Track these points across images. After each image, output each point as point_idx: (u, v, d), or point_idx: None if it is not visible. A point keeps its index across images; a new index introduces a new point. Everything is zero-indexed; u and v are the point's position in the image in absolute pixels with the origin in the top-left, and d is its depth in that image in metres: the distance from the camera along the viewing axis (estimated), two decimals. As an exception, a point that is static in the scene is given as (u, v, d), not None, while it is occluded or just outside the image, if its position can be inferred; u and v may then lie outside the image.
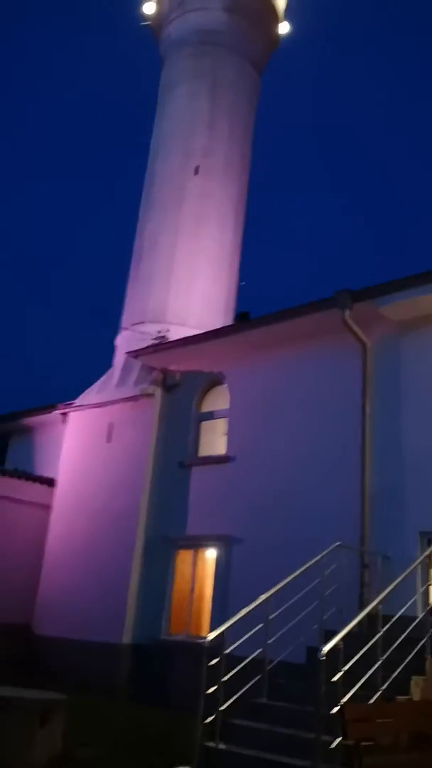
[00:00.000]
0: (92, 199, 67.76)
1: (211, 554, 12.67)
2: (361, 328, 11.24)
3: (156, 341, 14.64)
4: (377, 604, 7.07)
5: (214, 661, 6.68)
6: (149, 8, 20.28)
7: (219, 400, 13.80)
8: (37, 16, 67.50)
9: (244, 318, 13.95)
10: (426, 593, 8.92)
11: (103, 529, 14.23)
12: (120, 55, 61.65)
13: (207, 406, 14.07)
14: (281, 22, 20.38)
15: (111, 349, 16.79)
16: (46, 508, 15.74)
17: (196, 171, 17.35)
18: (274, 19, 20.08)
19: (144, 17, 20.51)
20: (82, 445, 15.65)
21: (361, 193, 67.64)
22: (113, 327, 17.18)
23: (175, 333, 14.85)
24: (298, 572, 7.97)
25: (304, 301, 11.86)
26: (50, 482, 16.01)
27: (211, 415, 13.90)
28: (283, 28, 20.58)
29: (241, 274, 17.95)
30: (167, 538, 13.21)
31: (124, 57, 61.45)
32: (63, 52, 69.15)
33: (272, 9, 19.88)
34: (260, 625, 7.44)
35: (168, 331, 15.11)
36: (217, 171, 17.57)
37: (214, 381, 13.92)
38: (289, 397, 12.38)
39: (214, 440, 13.75)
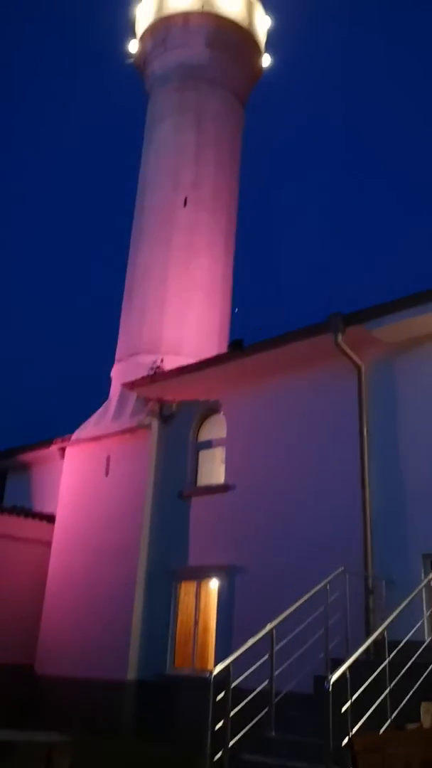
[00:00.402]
0: (82, 231, 68.24)
1: (214, 585, 12.55)
2: (354, 351, 11.27)
3: (151, 372, 14.64)
4: (382, 630, 6.97)
5: (220, 696, 6.57)
6: (133, 47, 20.65)
7: (216, 428, 13.77)
8: (25, 54, 68.62)
9: (238, 346, 13.95)
10: (432, 617, 8.83)
11: (103, 564, 14.08)
12: (107, 90, 62.52)
13: (204, 435, 14.03)
14: (263, 55, 20.74)
15: (107, 381, 16.81)
16: (46, 544, 15.59)
17: (185, 203, 17.53)
18: (256, 53, 20.44)
19: (128, 55, 20.87)
20: (81, 479, 15.57)
21: (349, 216, 68.29)
22: (108, 359, 17.24)
23: (170, 363, 14.87)
24: (301, 600, 7.89)
25: (297, 326, 11.89)
26: (50, 518, 15.89)
27: (208, 444, 13.86)
28: (265, 60, 20.94)
29: (233, 301, 18.06)
30: (169, 571, 13.08)
31: (110, 92, 62.32)
32: (52, 86, 70.18)
33: (253, 43, 20.24)
34: (266, 657, 7.32)
35: (162, 361, 15.13)
36: (205, 202, 17.75)
37: (211, 409, 13.90)
38: (286, 422, 12.36)
39: (213, 469, 13.69)
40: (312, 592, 8.13)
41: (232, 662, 6.73)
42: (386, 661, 6.80)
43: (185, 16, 19.51)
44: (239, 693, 7.03)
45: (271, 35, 21.79)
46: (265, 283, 59.81)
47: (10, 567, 15.12)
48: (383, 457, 10.79)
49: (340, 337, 11.04)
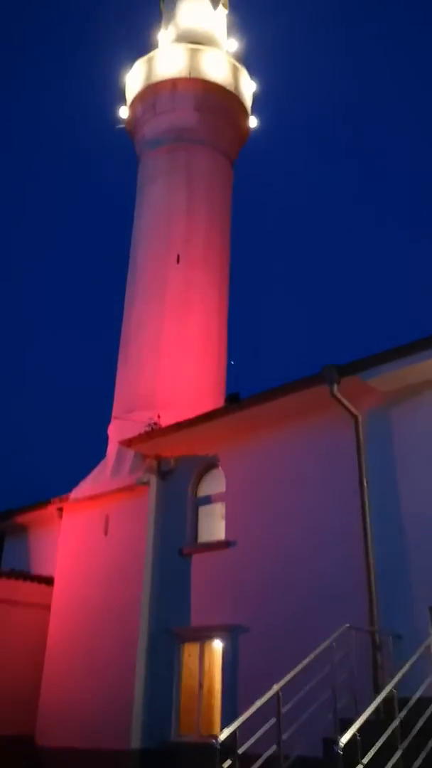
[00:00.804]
0: (77, 290, 69.01)
1: (218, 645, 12.23)
2: (350, 401, 11.25)
3: (148, 428, 14.58)
4: (391, 688, 6.77)
5: (227, 763, 6.32)
6: (124, 112, 21.26)
7: (215, 483, 13.64)
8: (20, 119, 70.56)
9: (234, 399, 13.93)
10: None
11: (104, 627, 13.76)
12: (100, 151, 64.04)
13: (203, 491, 13.89)
14: (249, 116, 21.34)
15: (103, 439, 16.73)
16: (46, 608, 15.26)
17: (178, 259, 17.77)
18: (243, 114, 21.03)
19: (119, 120, 21.46)
20: (79, 539, 15.34)
21: (341, 266, 69.29)
22: (104, 416, 17.20)
23: (167, 418, 14.81)
24: (307, 660, 7.68)
25: (293, 376, 11.90)
26: (48, 581, 15.59)
27: (208, 500, 13.71)
28: (252, 121, 21.53)
29: (228, 354, 18.15)
30: (171, 632, 12.76)
31: (103, 153, 63.88)
32: (46, 150, 71.94)
33: (240, 105, 20.84)
34: (273, 720, 7.07)
35: (159, 417, 15.08)
36: (198, 258, 18.00)
37: (209, 464, 13.80)
38: (285, 475, 12.26)
39: (213, 525, 13.51)
40: (317, 651, 7.92)
41: (238, 727, 6.50)
42: (397, 720, 6.58)
43: (173, 82, 20.12)
44: (247, 759, 6.77)
45: (257, 97, 22.47)
46: (260, 334, 60.20)
47: (8, 633, 14.77)
48: (384, 506, 10.66)
49: (335, 388, 11.04)
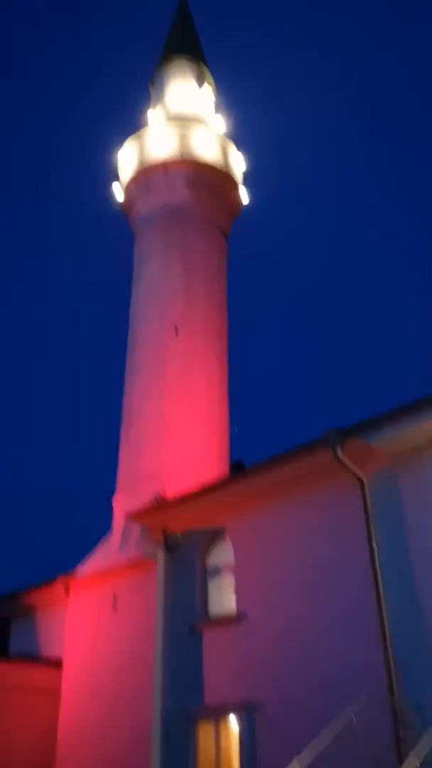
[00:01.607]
0: (79, 362, 69.60)
1: (233, 724, 11.80)
2: (355, 464, 11.17)
3: (153, 501, 14.47)
4: (415, 764, 6.52)
5: None
6: (117, 190, 21.94)
7: (223, 555, 13.42)
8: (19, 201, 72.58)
9: (238, 468, 13.93)
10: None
11: (116, 711, 13.36)
12: (96, 231, 65.74)
13: (212, 563, 13.65)
14: (240, 191, 22.00)
15: (107, 515, 16.57)
16: (55, 693, 14.82)
17: (177, 332, 18.00)
18: (234, 190, 21.68)
19: (114, 200, 22.13)
20: (87, 617, 15.04)
21: (339, 328, 70.06)
22: (108, 491, 17.09)
23: (172, 490, 14.72)
24: (327, 739, 7.41)
25: (297, 439, 11.87)
26: (57, 664, 15.20)
27: (217, 572, 13.47)
28: (244, 196, 22.18)
29: (232, 420, 18.18)
30: (185, 712, 12.35)
31: (100, 233, 65.51)
32: (43, 225, 73.71)
33: (231, 181, 21.52)
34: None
35: (164, 489, 14.99)
36: (196, 331, 18.24)
37: (217, 535, 13.62)
38: (293, 543, 12.08)
39: (223, 597, 13.23)
40: (336, 728, 7.66)
41: None
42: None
43: (165, 165, 20.82)
44: None
45: (248, 172, 23.22)
46: (262, 398, 60.41)
47: (17, 719, 14.29)
48: (396, 571, 10.48)
49: (339, 451, 10.98)
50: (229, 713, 11.82)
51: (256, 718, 11.27)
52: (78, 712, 14.18)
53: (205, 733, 12.19)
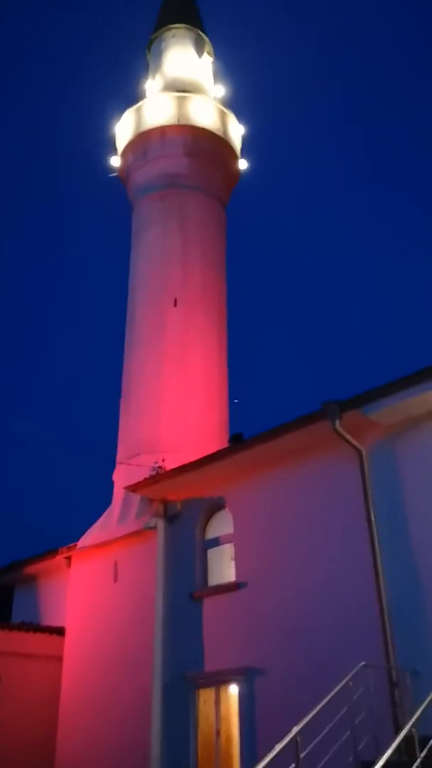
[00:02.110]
0: (76, 337, 69.48)
1: (233, 690, 12.05)
2: (353, 436, 11.26)
3: (153, 472, 14.58)
4: (411, 727, 6.68)
5: None
6: (115, 161, 21.71)
7: (223, 524, 13.59)
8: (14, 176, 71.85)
9: (237, 439, 13.97)
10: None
11: (117, 676, 13.59)
12: (93, 201, 65.13)
13: (211, 533, 13.83)
14: (239, 159, 21.78)
15: (109, 486, 16.71)
16: (58, 659, 15.08)
17: (175, 303, 17.96)
18: (233, 158, 21.46)
19: (112, 169, 21.91)
20: (89, 587, 15.23)
21: (337, 301, 69.86)
22: (109, 463, 17.21)
23: (171, 461, 14.81)
24: (324, 701, 7.58)
25: (296, 413, 11.92)
26: (59, 631, 15.44)
27: (216, 542, 13.64)
28: (242, 164, 21.97)
29: (231, 393, 18.22)
30: (186, 678, 12.59)
31: (97, 202, 64.95)
32: (39, 204, 73.12)
33: (229, 149, 21.28)
34: (292, 766, 6.95)
35: (164, 460, 15.08)
36: (195, 301, 18.19)
37: (216, 506, 13.76)
38: (292, 513, 12.22)
39: (223, 566, 13.42)
40: (334, 691, 7.83)
41: (257, 775, 6.39)
42: (418, 760, 6.47)
43: (162, 130, 20.58)
44: (268, 808, 6.64)
45: (246, 140, 22.96)
46: (262, 372, 60.44)
47: (22, 686, 14.57)
48: (393, 540, 10.61)
49: (337, 423, 11.05)
50: (228, 680, 12.05)
51: (255, 685, 11.50)
52: (80, 677, 14.44)
53: (205, 699, 12.44)
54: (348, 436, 11.21)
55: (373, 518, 10.88)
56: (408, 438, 11.10)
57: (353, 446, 11.31)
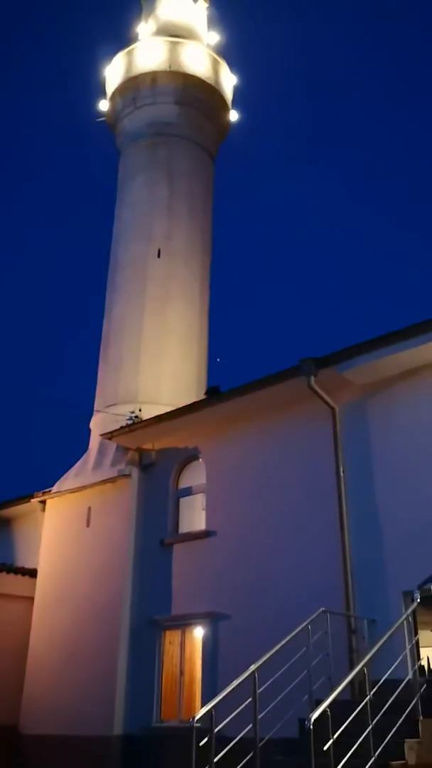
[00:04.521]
0: (57, 285, 68.81)
1: (198, 633, 12.46)
2: (327, 393, 11.49)
3: (129, 421, 14.75)
4: (362, 667, 7.03)
5: (203, 742, 6.55)
6: (104, 105, 21.32)
7: (196, 475, 13.85)
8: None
9: (214, 392, 14.13)
10: (413, 653, 8.85)
11: (87, 618, 13.95)
12: (80, 147, 63.90)
13: (184, 482, 14.10)
14: (230, 110, 21.47)
15: (86, 433, 16.86)
16: (29, 600, 15.41)
17: (159, 254, 17.89)
18: (224, 109, 21.15)
19: (99, 114, 21.52)
20: (62, 531, 15.50)
21: (321, 260, 69.70)
22: (87, 411, 17.33)
23: (148, 412, 14.98)
24: (283, 642, 7.93)
25: (274, 369, 12.08)
26: (32, 573, 15.74)
27: (189, 491, 13.92)
28: (233, 115, 21.67)
29: (213, 349, 18.33)
30: (153, 621, 12.98)
31: (83, 149, 63.73)
32: (25, 143, 71.57)
33: (221, 99, 20.96)
34: (249, 700, 7.31)
35: (140, 410, 15.24)
36: (179, 253, 18.13)
37: (190, 457, 14.00)
38: (265, 466, 12.49)
39: (194, 516, 13.72)
40: (293, 633, 8.17)
41: (214, 707, 6.74)
42: (366, 699, 6.83)
43: (153, 76, 20.20)
44: (226, 740, 7.01)
45: (238, 91, 22.62)
46: (245, 330, 60.49)
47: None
48: (360, 496, 10.92)
49: (312, 380, 11.26)
50: (194, 623, 12.45)
51: (219, 628, 11.91)
52: (50, 617, 14.79)
53: (171, 640, 12.86)
54: (322, 393, 11.43)
55: (342, 475, 11.18)
56: (380, 398, 11.34)
57: (327, 403, 11.54)
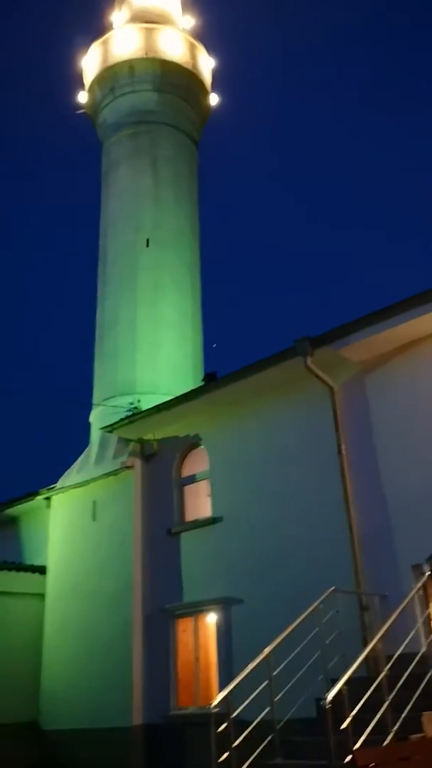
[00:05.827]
0: (49, 281, 68.53)
1: (211, 619, 12.48)
2: (325, 372, 11.44)
3: (129, 413, 14.72)
4: (375, 644, 7.03)
5: (222, 727, 6.56)
6: (83, 97, 21.11)
7: (199, 462, 13.83)
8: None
9: (211, 378, 14.08)
10: (427, 626, 8.86)
11: (99, 611, 13.99)
12: (61, 138, 63.42)
13: (187, 470, 14.08)
14: (210, 94, 21.28)
15: (86, 427, 16.83)
16: (41, 597, 15.45)
17: (147, 243, 17.79)
18: (203, 93, 20.97)
19: (79, 106, 21.32)
20: (68, 527, 15.51)
21: (307, 241, 69.40)
22: (86, 405, 17.28)
23: (147, 402, 14.96)
24: (295, 623, 7.93)
25: (272, 351, 12.02)
26: (42, 570, 15.77)
27: (192, 479, 13.90)
28: (213, 99, 21.48)
29: (208, 335, 18.27)
30: (165, 610, 13.00)
31: (65, 141, 63.26)
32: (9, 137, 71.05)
33: (199, 83, 20.77)
34: (265, 683, 7.31)
35: (139, 401, 15.22)
36: (167, 241, 18.03)
37: (192, 444, 13.97)
38: (266, 450, 12.46)
39: (199, 503, 13.71)
40: (305, 614, 8.17)
41: (230, 692, 6.74)
42: (382, 674, 6.83)
43: (130, 64, 20.01)
44: (243, 724, 7.03)
45: (217, 74, 22.41)
46: (238, 314, 60.34)
47: (5, 624, 14.93)
48: (363, 473, 10.90)
49: (309, 360, 11.21)
50: (206, 609, 12.46)
51: (232, 613, 11.93)
52: (62, 613, 14.84)
53: (184, 628, 12.88)
54: (319, 373, 11.38)
55: (344, 452, 11.15)
56: (377, 374, 11.29)
57: (325, 382, 11.50)
